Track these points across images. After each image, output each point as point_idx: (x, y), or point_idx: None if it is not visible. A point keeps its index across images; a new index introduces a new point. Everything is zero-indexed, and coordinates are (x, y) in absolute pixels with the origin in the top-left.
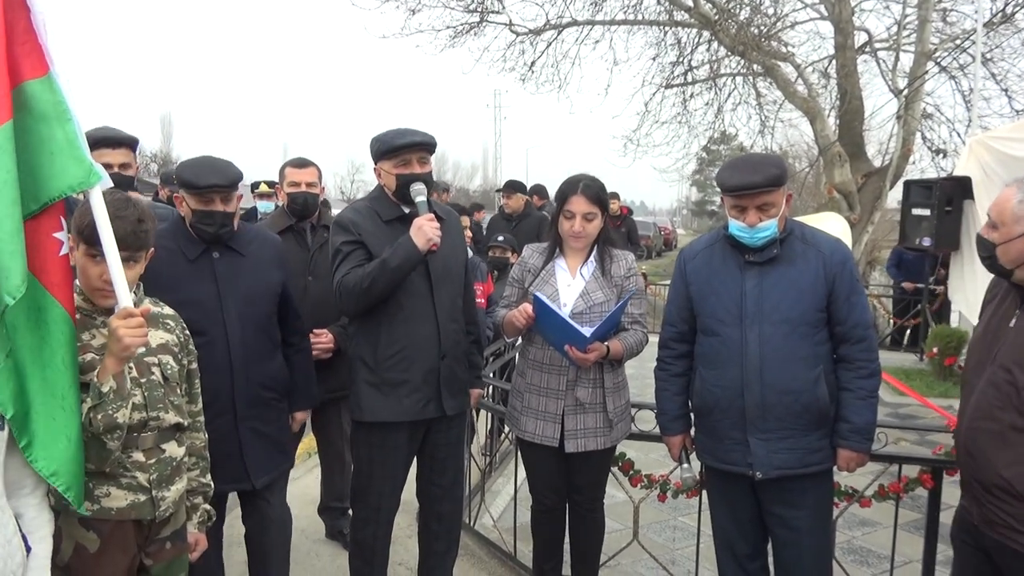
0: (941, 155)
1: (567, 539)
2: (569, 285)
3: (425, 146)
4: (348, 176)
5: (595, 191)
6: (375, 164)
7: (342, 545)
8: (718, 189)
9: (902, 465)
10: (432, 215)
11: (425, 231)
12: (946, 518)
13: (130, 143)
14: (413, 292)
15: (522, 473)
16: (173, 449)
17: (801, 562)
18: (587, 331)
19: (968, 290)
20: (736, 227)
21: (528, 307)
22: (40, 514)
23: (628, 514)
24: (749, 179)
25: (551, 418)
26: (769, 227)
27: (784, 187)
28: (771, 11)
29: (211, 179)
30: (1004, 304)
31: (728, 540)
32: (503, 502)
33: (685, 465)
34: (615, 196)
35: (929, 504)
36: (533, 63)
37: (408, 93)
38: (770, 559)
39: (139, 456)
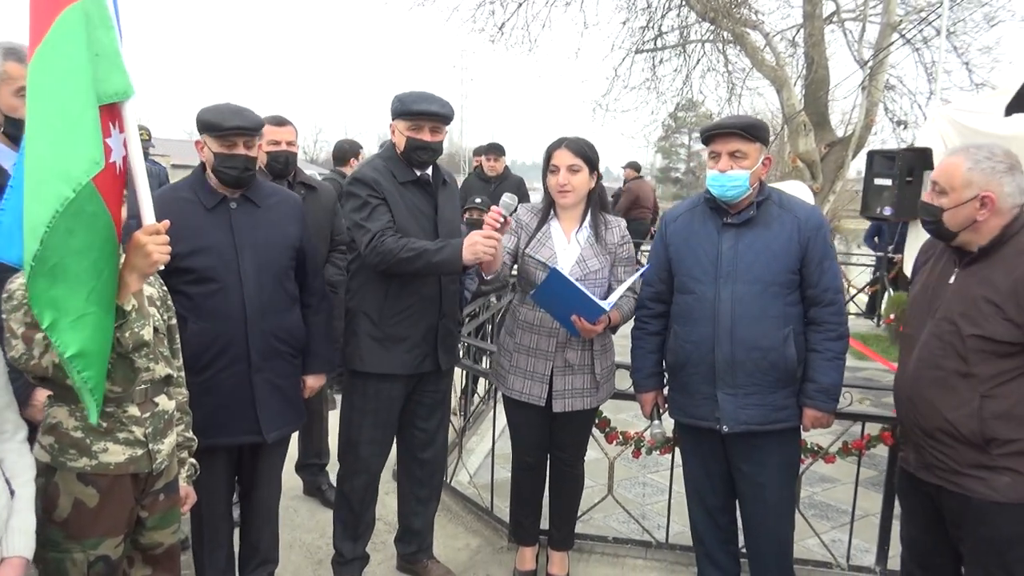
0: (902, 126)
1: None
2: (564, 249)
3: (440, 117)
4: (312, 137)
5: (579, 145)
6: (392, 120)
7: (320, 501)
8: (683, 156)
9: (865, 423)
10: (491, 233)
11: (477, 250)
12: None
13: None
14: None
15: (499, 430)
16: (164, 402)
17: (766, 517)
18: (605, 303)
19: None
20: (710, 177)
21: (495, 214)
22: (20, 459)
23: (601, 471)
24: (725, 121)
25: (539, 378)
26: (740, 178)
27: (761, 146)
28: None
29: (235, 121)
30: (940, 264)
31: (700, 493)
32: (476, 460)
33: (656, 422)
34: None
35: (889, 460)
36: (503, 24)
37: (373, 55)
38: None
39: (134, 410)
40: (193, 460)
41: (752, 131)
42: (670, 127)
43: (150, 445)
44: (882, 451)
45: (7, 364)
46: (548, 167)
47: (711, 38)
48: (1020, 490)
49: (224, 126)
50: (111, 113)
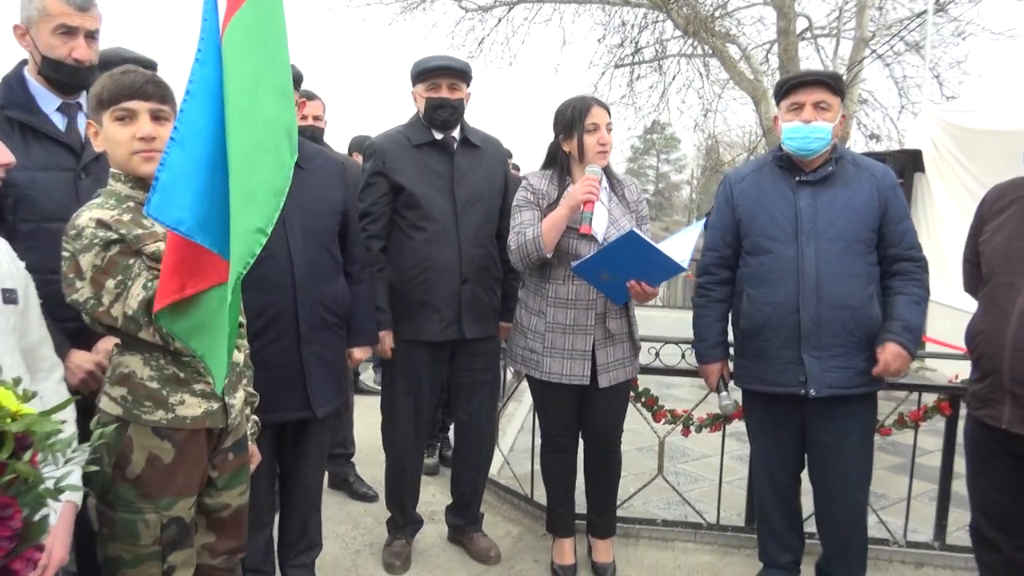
0: (875, 140)
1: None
2: (594, 213)
3: (454, 71)
4: None
5: (607, 105)
6: (412, 88)
7: (347, 494)
8: (651, 178)
9: (921, 394)
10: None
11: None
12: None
13: (150, 65)
14: (436, 217)
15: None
16: (235, 354)
17: (845, 490)
18: (682, 261)
19: None
20: (790, 129)
21: (595, 176)
22: (57, 400)
23: (633, 462)
24: (811, 71)
25: (579, 355)
26: (824, 130)
27: (840, 101)
28: None
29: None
30: None
31: (770, 469)
32: (506, 447)
33: (724, 393)
34: None
35: (947, 431)
36: (483, 40)
37: (344, 76)
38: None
39: None
40: (256, 417)
41: (838, 83)
42: (638, 150)
43: (225, 399)
44: (904, 438)
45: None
46: (581, 126)
47: (689, 52)
48: None
49: None
50: None
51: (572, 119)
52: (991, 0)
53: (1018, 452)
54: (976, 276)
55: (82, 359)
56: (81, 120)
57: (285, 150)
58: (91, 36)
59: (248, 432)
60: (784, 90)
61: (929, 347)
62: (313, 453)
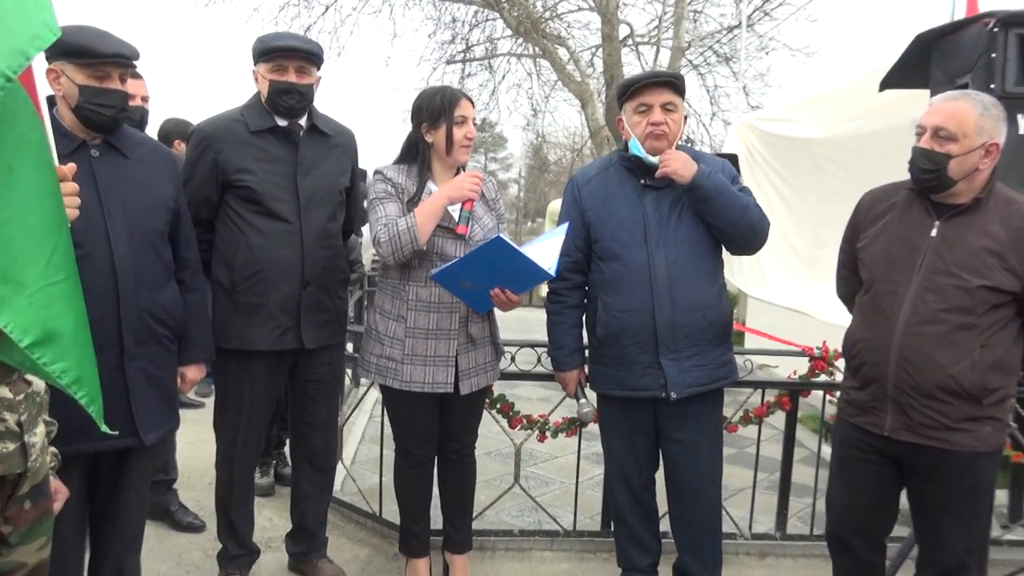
0: (689, 143)
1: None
2: (456, 211)
3: (304, 53)
4: None
5: (472, 98)
6: (254, 66)
7: (169, 525)
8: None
9: (764, 390)
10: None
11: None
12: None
13: None
14: (278, 212)
15: (376, 425)
16: (36, 381)
17: (700, 486)
18: (549, 267)
19: (734, 259)
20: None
21: (480, 175)
22: None
23: (483, 468)
24: (657, 71)
25: (443, 362)
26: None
27: (683, 100)
28: None
29: (115, 47)
30: (909, 217)
31: (625, 473)
32: (347, 461)
33: (583, 400)
34: None
35: (787, 424)
36: (308, 28)
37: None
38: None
39: (4, 392)
40: (55, 449)
41: (682, 83)
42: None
43: (25, 437)
44: (748, 431)
45: None
46: (451, 116)
47: (519, 52)
48: (998, 437)
49: (100, 51)
50: None
51: (440, 108)
52: (791, 20)
53: (894, 455)
54: (854, 282)
55: None
56: None
57: None
58: None
59: (48, 467)
60: (631, 91)
61: (753, 342)
62: (135, 485)
